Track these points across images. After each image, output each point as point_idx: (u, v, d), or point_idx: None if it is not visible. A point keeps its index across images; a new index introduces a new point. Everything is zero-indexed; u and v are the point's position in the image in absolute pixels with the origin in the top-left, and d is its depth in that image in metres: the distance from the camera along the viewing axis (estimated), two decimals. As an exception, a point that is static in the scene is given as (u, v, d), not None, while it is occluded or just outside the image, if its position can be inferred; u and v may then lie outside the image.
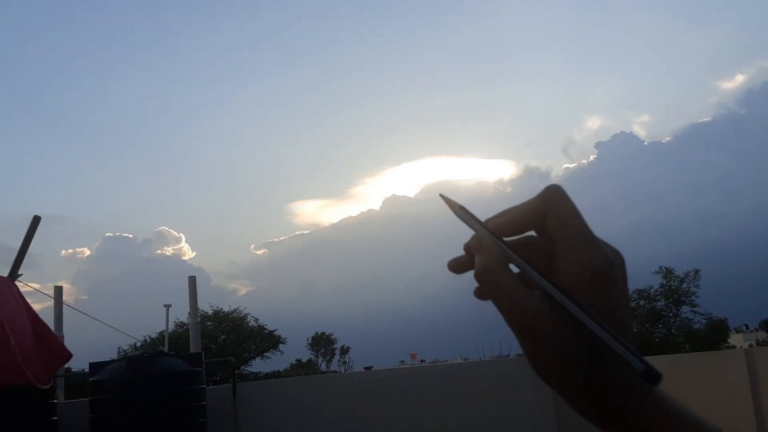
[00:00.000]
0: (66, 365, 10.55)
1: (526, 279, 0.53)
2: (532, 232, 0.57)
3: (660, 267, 38.05)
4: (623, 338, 0.49)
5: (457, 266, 0.59)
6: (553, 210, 0.54)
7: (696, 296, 37.47)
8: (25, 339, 6.44)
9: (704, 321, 37.35)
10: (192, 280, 10.61)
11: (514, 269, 0.55)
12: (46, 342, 6.62)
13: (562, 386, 0.54)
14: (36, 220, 6.84)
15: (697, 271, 37.25)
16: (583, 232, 0.53)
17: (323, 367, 62.41)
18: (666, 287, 37.85)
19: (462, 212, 0.59)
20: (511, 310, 0.53)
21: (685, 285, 37.52)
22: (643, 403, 0.51)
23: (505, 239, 0.56)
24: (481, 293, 0.57)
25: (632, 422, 0.52)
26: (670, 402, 0.53)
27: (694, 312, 37.41)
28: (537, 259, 0.56)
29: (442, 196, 0.63)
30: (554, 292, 0.51)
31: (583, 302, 0.50)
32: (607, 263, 0.52)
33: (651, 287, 37.65)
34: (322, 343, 64.08)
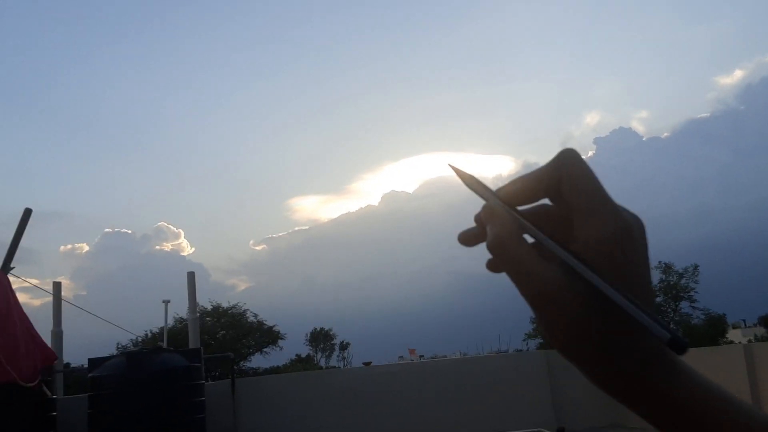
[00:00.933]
0: (65, 361, 10.58)
1: (542, 248, 0.51)
2: (546, 201, 0.54)
3: (659, 262, 38.13)
4: (647, 304, 0.47)
5: (467, 238, 0.56)
6: (568, 175, 0.51)
7: (695, 292, 37.57)
8: (12, 336, 6.42)
9: (703, 317, 37.45)
10: (191, 276, 10.62)
11: (529, 239, 0.52)
12: (33, 340, 6.60)
13: (583, 359, 0.51)
14: (27, 213, 6.83)
15: (696, 267, 37.34)
16: (600, 196, 0.50)
17: (322, 363, 62.48)
18: (665, 282, 37.91)
19: (473, 181, 0.56)
20: (527, 281, 0.50)
21: (683, 281, 37.61)
22: (670, 375, 0.49)
23: (519, 208, 0.53)
24: (494, 265, 0.54)
25: (658, 395, 0.49)
26: (697, 374, 0.51)
27: (693, 308, 37.52)
28: (552, 227, 0.53)
29: (451, 166, 0.59)
30: (572, 260, 0.48)
31: (603, 269, 0.48)
32: (626, 226, 0.49)
33: (655, 285, 37.62)
34: (320, 338, 64.12)
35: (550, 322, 0.51)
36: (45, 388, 6.92)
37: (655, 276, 38.02)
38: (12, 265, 6.88)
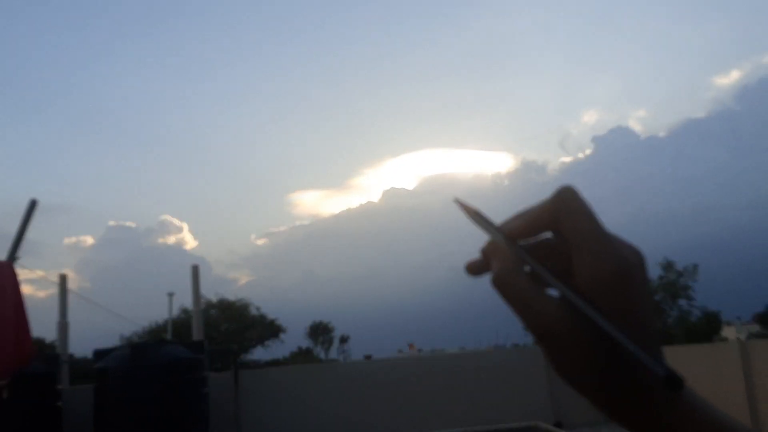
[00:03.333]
0: (69, 352, 10.66)
1: (544, 283, 0.52)
2: (549, 234, 0.55)
3: (664, 258, 38.11)
4: (646, 340, 0.48)
5: (474, 268, 0.57)
6: (566, 212, 0.52)
7: (692, 290, 37.56)
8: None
9: (699, 314, 37.47)
10: (195, 270, 10.71)
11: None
12: (19, 337, 6.56)
13: (586, 391, 0.52)
14: (33, 204, 6.90)
15: (695, 266, 37.37)
16: (597, 233, 0.51)
17: (322, 356, 62.64)
18: (665, 280, 37.95)
19: (477, 217, 0.57)
20: (529, 316, 0.51)
21: (682, 279, 37.61)
22: (672, 405, 0.50)
23: (522, 242, 0.54)
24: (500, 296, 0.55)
25: (661, 425, 0.51)
26: (701, 402, 0.51)
27: (691, 305, 37.53)
28: (555, 261, 0.54)
29: (457, 200, 0.60)
30: (572, 296, 0.49)
31: (602, 305, 0.49)
32: (624, 265, 0.50)
33: (653, 281, 37.66)
34: (320, 331, 64.23)
35: (554, 356, 0.52)
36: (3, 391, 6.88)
37: (656, 272, 38.06)
38: (17, 255, 6.96)
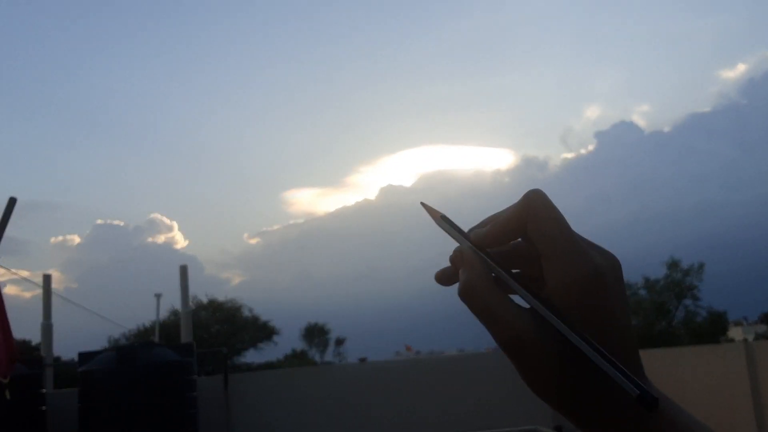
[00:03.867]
0: (54, 354, 10.46)
1: (512, 292, 0.51)
2: (520, 240, 0.55)
3: (669, 256, 38.14)
4: (621, 350, 0.47)
5: (444, 278, 0.57)
6: (533, 217, 0.51)
7: (698, 289, 37.68)
8: None
9: (705, 314, 37.59)
10: (183, 269, 10.48)
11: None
12: (6, 334, 6.45)
13: (557, 405, 0.51)
14: (12, 202, 6.70)
15: (701, 265, 37.41)
16: (566, 239, 0.49)
17: (317, 359, 62.54)
18: (670, 279, 38.01)
19: (443, 222, 0.57)
20: (496, 329, 0.50)
21: (688, 278, 37.67)
22: (647, 420, 0.48)
23: (492, 249, 0.54)
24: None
25: None
26: (683, 418, 0.49)
27: (696, 305, 37.63)
28: (526, 268, 0.54)
29: (423, 204, 0.59)
30: (541, 309, 0.48)
31: (574, 313, 0.47)
32: (594, 271, 0.48)
33: (658, 280, 37.69)
34: (315, 333, 64.12)
35: (524, 368, 0.51)
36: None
37: (661, 271, 38.06)
38: (-3, 255, 6.76)
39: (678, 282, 37.59)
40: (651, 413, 0.45)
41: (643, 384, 0.44)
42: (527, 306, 0.50)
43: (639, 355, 0.51)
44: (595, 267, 0.49)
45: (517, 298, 0.51)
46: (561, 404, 0.51)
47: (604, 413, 0.49)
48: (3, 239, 6.86)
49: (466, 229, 0.56)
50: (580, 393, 0.49)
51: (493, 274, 0.51)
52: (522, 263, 0.54)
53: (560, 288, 0.49)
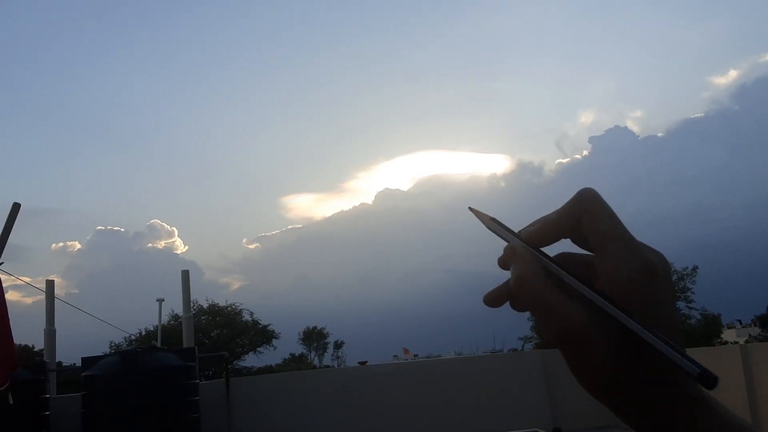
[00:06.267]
0: (57, 359, 10.49)
1: (566, 288, 0.51)
2: (568, 240, 0.55)
3: None
4: (674, 341, 0.47)
5: (493, 300, 0.56)
6: (587, 213, 0.52)
7: (692, 292, 37.66)
8: None
9: (699, 317, 37.55)
10: (185, 275, 10.54)
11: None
12: (7, 342, 6.47)
13: (611, 400, 0.51)
14: (16, 208, 6.75)
15: (695, 268, 37.44)
16: (621, 234, 0.51)
17: (316, 362, 62.42)
18: None
19: (493, 224, 0.57)
20: (553, 321, 0.50)
21: (682, 282, 37.65)
22: (699, 413, 0.49)
23: (541, 249, 0.54)
24: (518, 304, 0.54)
25: None
26: (732, 417, 0.50)
27: (690, 308, 37.60)
28: (575, 268, 0.53)
29: (471, 209, 0.60)
30: (597, 298, 0.49)
31: (627, 307, 0.48)
32: (648, 265, 0.50)
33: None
34: (314, 337, 64.02)
35: (576, 362, 0.51)
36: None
37: None
38: (1, 261, 6.81)
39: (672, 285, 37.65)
40: (711, 389, 0.46)
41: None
42: (581, 298, 0.50)
43: (685, 348, 0.51)
44: (648, 262, 0.50)
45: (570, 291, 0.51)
46: (612, 397, 0.51)
47: (656, 404, 0.50)
48: (6, 245, 6.93)
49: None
50: (635, 387, 0.49)
51: (547, 272, 0.52)
52: (572, 266, 0.54)
53: (615, 282, 0.50)
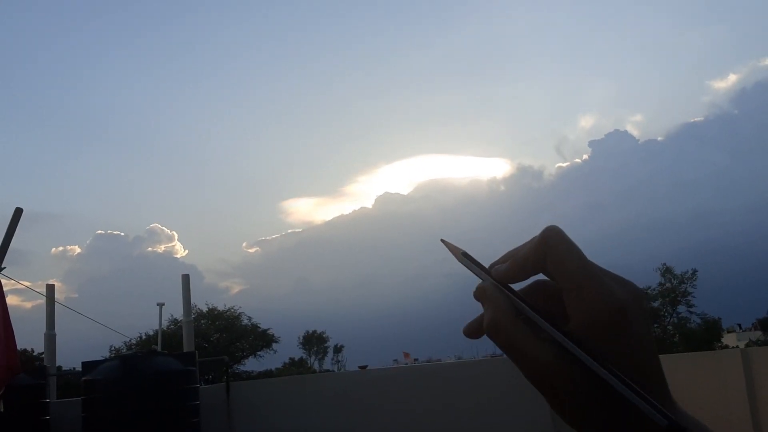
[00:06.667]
0: (57, 364, 10.48)
1: (537, 327, 0.51)
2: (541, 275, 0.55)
3: (662, 264, 38.04)
4: (648, 382, 0.48)
5: (472, 331, 0.57)
6: (552, 253, 0.51)
7: (692, 296, 37.61)
8: None
9: (699, 320, 37.45)
10: (185, 279, 10.53)
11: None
12: (9, 347, 6.47)
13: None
14: (18, 212, 6.74)
15: (694, 272, 37.33)
16: (586, 274, 0.50)
17: (316, 366, 62.35)
18: (664, 286, 37.90)
19: (464, 259, 0.57)
20: (524, 365, 0.51)
21: (683, 286, 37.55)
22: None
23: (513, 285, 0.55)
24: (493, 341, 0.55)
25: None
26: None
27: (690, 312, 37.52)
28: (548, 304, 0.54)
29: (443, 241, 0.60)
30: (566, 342, 0.49)
31: (598, 349, 0.48)
32: (616, 304, 0.49)
33: (649, 287, 37.60)
34: (314, 341, 63.94)
35: (552, 400, 0.52)
36: None
37: (655, 279, 37.95)
38: (3, 266, 6.80)
39: (672, 289, 37.48)
40: None
41: (670, 414, 0.44)
42: (552, 340, 0.50)
43: (665, 382, 0.51)
44: (617, 301, 0.49)
45: (541, 333, 0.52)
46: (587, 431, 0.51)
47: None
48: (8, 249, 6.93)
49: (486, 264, 0.57)
50: (609, 423, 0.49)
51: (516, 310, 0.53)
52: (543, 298, 0.55)
53: (583, 323, 0.49)
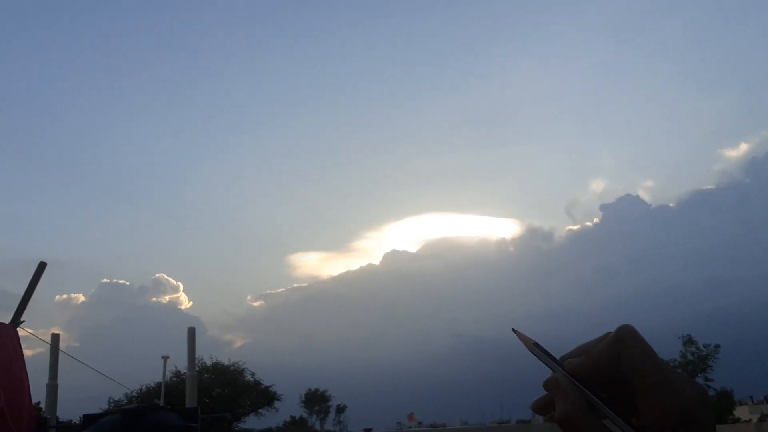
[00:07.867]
0: (56, 414, 10.30)
1: (610, 424, 0.54)
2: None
3: (685, 334, 37.61)
4: None
5: (541, 408, 0.59)
6: (626, 352, 0.54)
7: (711, 369, 37.01)
8: (15, 392, 6.25)
9: (714, 393, 36.74)
10: (191, 332, 10.44)
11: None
12: (24, 403, 6.41)
13: None
14: (42, 266, 6.76)
15: (717, 346, 36.81)
16: (659, 374, 0.53)
17: (317, 427, 61.06)
18: (686, 358, 37.34)
19: (535, 349, 0.59)
20: None
21: (705, 360, 36.99)
22: None
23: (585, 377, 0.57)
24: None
25: None
26: None
27: (708, 386, 36.74)
28: (620, 393, 0.56)
29: (514, 330, 0.62)
30: None
31: None
32: (686, 406, 0.52)
33: (674, 360, 37.11)
34: (316, 400, 62.77)
35: None
36: None
37: (677, 348, 37.40)
38: (22, 319, 6.78)
39: (693, 361, 36.91)
40: None
41: None
42: None
43: None
44: (687, 401, 0.52)
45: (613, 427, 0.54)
46: None
47: None
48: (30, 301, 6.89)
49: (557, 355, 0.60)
50: None
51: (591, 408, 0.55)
52: (616, 389, 0.57)
53: (654, 420, 0.52)
